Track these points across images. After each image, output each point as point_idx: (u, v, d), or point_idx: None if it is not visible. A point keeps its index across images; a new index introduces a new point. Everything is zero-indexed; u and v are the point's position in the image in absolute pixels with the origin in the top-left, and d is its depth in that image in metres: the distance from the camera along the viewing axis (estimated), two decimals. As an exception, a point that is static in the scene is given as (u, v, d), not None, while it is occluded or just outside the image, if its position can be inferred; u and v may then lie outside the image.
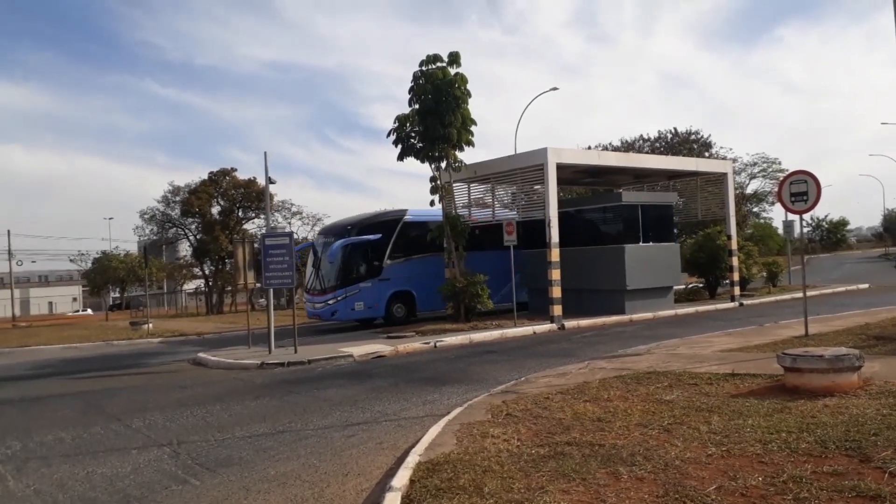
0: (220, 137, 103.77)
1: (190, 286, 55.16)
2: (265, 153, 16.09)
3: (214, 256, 44.50)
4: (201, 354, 15.19)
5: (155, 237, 48.65)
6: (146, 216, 46.43)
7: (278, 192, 54.82)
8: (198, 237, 45.25)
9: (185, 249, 52.88)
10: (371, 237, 20.49)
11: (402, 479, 4.92)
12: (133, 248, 56.77)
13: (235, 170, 46.88)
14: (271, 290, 16.01)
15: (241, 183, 46.84)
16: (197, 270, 48.14)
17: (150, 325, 25.75)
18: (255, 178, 47.17)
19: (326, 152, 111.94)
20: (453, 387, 9.65)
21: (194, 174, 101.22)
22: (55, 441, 7.49)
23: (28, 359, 18.08)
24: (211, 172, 45.88)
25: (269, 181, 16.40)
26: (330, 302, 20.28)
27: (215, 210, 45.48)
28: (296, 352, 14.23)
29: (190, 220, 45.89)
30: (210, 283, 46.65)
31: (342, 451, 6.34)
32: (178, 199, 46.34)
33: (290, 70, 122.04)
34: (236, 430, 7.58)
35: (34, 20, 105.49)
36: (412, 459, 5.45)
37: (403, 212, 21.52)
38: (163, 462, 6.31)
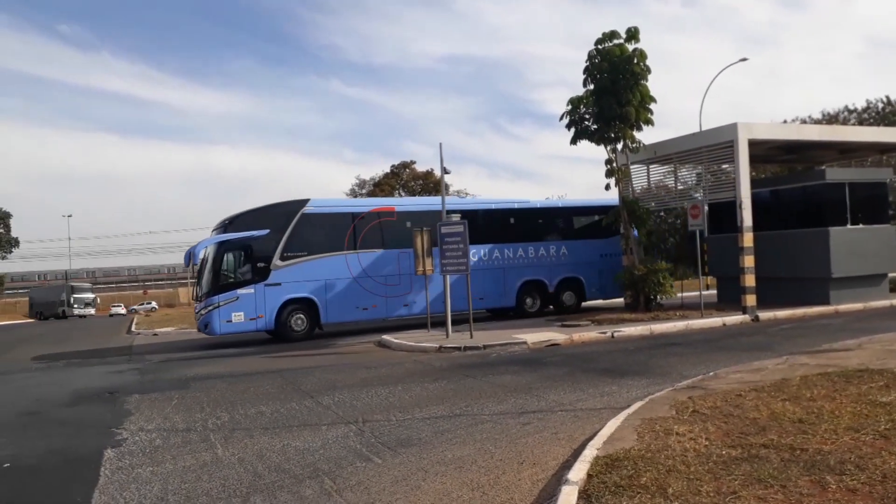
0: (399, 132, 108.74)
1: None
2: (440, 144, 16.84)
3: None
4: (385, 337, 15.97)
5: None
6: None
7: (453, 181, 56.10)
8: (381, 227, 47.69)
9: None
10: (254, 233, 17.23)
11: (579, 472, 4.74)
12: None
13: (414, 162, 48.94)
14: (447, 276, 16.40)
15: (420, 174, 48.72)
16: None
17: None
18: (432, 169, 48.87)
19: (498, 141, 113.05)
20: (633, 379, 9.23)
21: (377, 167, 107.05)
22: (257, 414, 8.21)
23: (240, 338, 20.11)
24: (392, 165, 48.31)
25: (444, 171, 16.82)
26: (202, 312, 17.24)
27: (397, 200, 47.75)
28: (471, 337, 14.45)
29: (374, 210, 48.47)
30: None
31: (517, 438, 6.28)
32: (364, 191, 49.23)
33: (462, 62, 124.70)
34: (416, 411, 7.81)
35: (235, 32, 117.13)
36: (590, 453, 5.24)
37: (303, 201, 17.94)
38: (349, 439, 6.65)
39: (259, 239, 17.18)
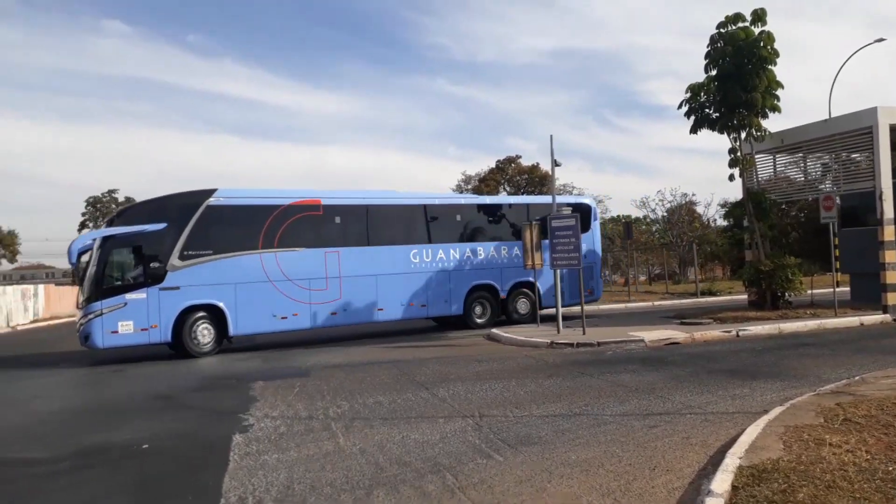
0: (502, 128, 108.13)
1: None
2: (550, 136, 16.23)
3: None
4: (494, 330, 15.82)
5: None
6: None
7: (559, 176, 54.98)
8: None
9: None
10: (147, 227, 14.33)
11: (722, 483, 4.37)
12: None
13: (520, 157, 48.53)
14: (558, 270, 16.00)
15: (525, 169, 48.25)
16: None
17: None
18: (537, 163, 48.25)
19: (603, 134, 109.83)
20: (766, 382, 8.58)
21: (481, 163, 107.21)
22: (375, 404, 8.27)
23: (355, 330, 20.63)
24: (498, 160, 48.12)
25: (555, 164, 16.41)
26: (82, 322, 14.20)
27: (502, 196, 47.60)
28: (584, 333, 14.04)
29: (479, 205, 48.54)
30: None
31: (645, 442, 5.93)
32: (469, 186, 49.33)
33: (567, 56, 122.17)
34: (533, 407, 7.60)
35: (346, 36, 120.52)
36: (731, 462, 4.84)
37: (209, 192, 15.17)
38: (467, 433, 6.54)
39: (153, 235, 14.28)
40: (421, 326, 18.41)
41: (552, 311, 19.37)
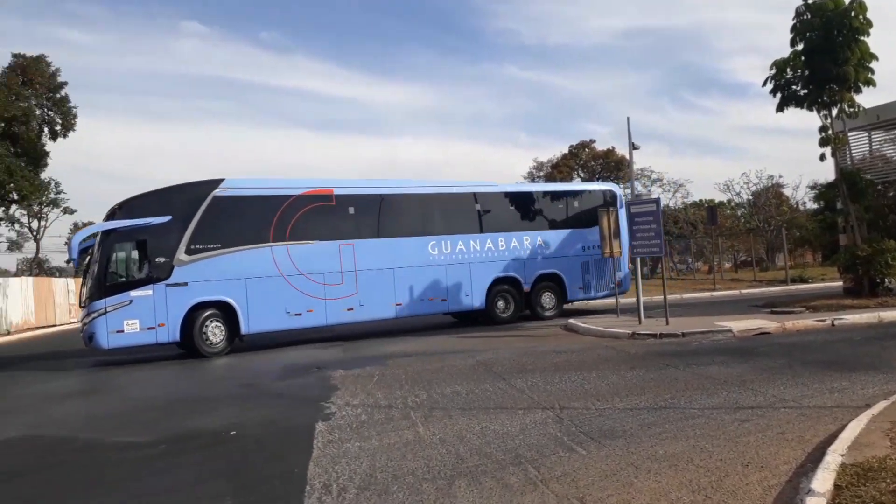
0: (575, 112, 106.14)
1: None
2: (627, 118, 15.85)
3: (577, 227, 46.01)
4: (572, 321, 15.58)
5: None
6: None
7: (636, 160, 53.50)
8: (561, 208, 47.00)
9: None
10: (151, 220, 13.65)
11: (823, 482, 4.12)
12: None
13: (594, 141, 47.56)
14: (638, 258, 15.58)
15: (600, 154, 47.23)
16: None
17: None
18: (612, 147, 47.12)
19: (681, 115, 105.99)
20: (867, 374, 8.06)
21: (553, 149, 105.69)
22: (453, 394, 8.28)
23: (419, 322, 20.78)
24: (571, 146, 47.31)
25: (633, 147, 15.95)
26: (85, 321, 13.69)
27: (576, 181, 46.82)
28: (667, 323, 13.62)
29: (553, 192, 47.94)
30: (573, 253, 48.32)
31: (736, 437, 5.67)
32: (541, 173, 48.75)
33: (641, 36, 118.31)
34: (615, 400, 7.41)
35: (417, 27, 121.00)
36: (832, 459, 4.56)
37: (215, 182, 14.52)
38: (547, 426, 6.43)
39: (158, 228, 13.62)
40: (437, 322, 17.86)
41: (579, 304, 19.61)
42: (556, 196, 18.69)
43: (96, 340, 13.14)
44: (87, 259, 14.42)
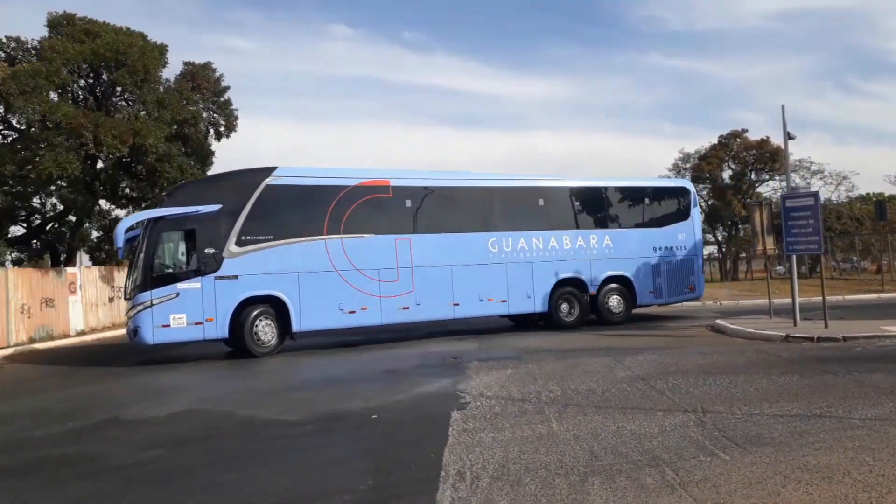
0: (725, 100, 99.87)
1: (703, 253, 55.24)
2: (782, 106, 14.62)
3: (727, 222, 43.55)
4: (719, 321, 14.80)
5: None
6: (658, 185, 48.10)
7: (793, 150, 49.70)
8: (709, 203, 44.66)
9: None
10: (200, 209, 12.92)
11: None
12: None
13: (746, 131, 44.52)
14: (794, 256, 14.48)
15: (752, 144, 44.21)
16: (709, 237, 47.70)
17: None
18: (767, 137, 43.93)
19: (846, 101, 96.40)
20: None
21: (701, 140, 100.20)
22: (588, 391, 8.16)
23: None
24: (721, 136, 44.63)
25: (788, 136, 14.81)
26: (130, 314, 13.03)
27: (726, 174, 44.23)
28: (826, 326, 12.57)
29: (700, 185, 45.62)
30: (723, 250, 45.79)
31: (904, 452, 5.16)
32: (688, 165, 46.49)
33: (799, 17, 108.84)
34: (764, 405, 6.98)
35: (557, 19, 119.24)
36: None
37: (268, 170, 13.80)
38: (688, 429, 6.19)
39: (207, 217, 12.93)
40: (499, 325, 17.13)
41: (648, 310, 18.23)
42: (626, 192, 17.50)
43: (141, 335, 12.46)
44: (134, 249, 13.89)
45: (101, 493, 5.18)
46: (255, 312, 13.02)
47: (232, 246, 12.99)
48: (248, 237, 13.15)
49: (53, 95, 20.39)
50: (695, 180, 45.31)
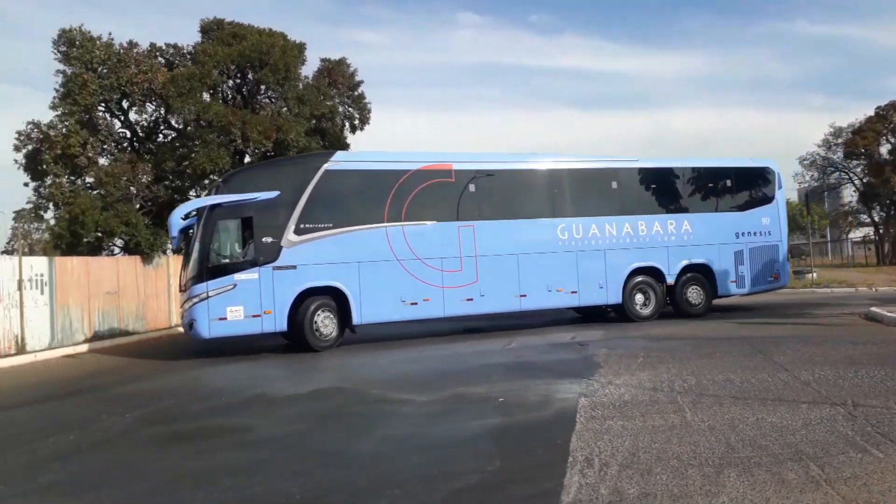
0: (881, 68, 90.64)
1: (856, 234, 50.72)
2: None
3: (885, 201, 39.59)
4: (875, 309, 13.59)
5: (815, 183, 46.33)
6: (805, 162, 44.64)
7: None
8: (864, 181, 40.90)
9: (849, 195, 49.00)
10: (258, 196, 12.46)
11: None
12: (793, 195, 55.64)
13: (909, 99, 40.22)
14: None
15: (920, 114, 39.98)
16: (864, 217, 43.70)
17: (815, 275, 24.85)
18: (937, 106, 39.53)
19: None
20: None
21: (854, 113, 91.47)
22: (725, 382, 7.81)
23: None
24: (878, 107, 40.62)
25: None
26: (186, 306, 12.62)
27: (884, 149, 40.21)
28: None
29: (854, 162, 41.85)
30: (880, 231, 41.76)
31: None
32: (839, 140, 42.79)
33: None
34: (927, 402, 6.37)
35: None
36: None
37: (326, 155, 13.35)
38: (836, 423, 5.78)
39: (265, 204, 12.51)
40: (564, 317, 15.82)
41: (728, 300, 16.72)
42: (706, 174, 16.27)
43: (196, 329, 12.12)
44: (189, 238, 13.46)
45: (252, 462, 5.65)
46: (315, 304, 12.58)
47: (290, 234, 12.54)
48: (307, 225, 12.68)
49: (206, 96, 22.15)
50: (847, 156, 41.71)
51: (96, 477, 5.52)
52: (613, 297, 14.88)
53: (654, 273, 15.22)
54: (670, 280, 15.29)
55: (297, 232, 12.60)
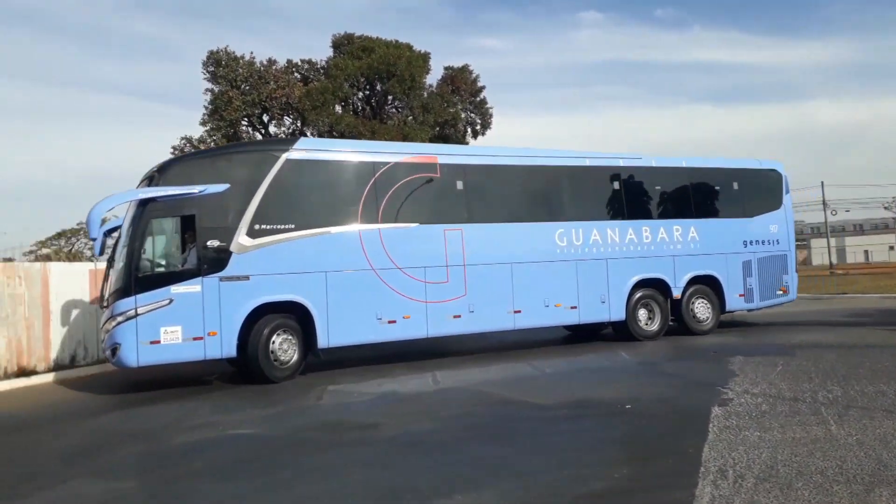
0: None
1: None
2: None
3: None
4: None
5: None
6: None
7: None
8: None
9: None
10: (203, 189, 10.00)
11: None
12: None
13: None
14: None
15: None
16: None
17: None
18: None
19: None
20: None
21: None
22: (876, 393, 7.22)
23: (844, 306, 18.29)
24: None
25: None
26: (107, 326, 9.93)
27: None
28: None
29: None
30: None
31: None
32: None
33: None
34: None
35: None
36: None
37: (288, 141, 11.29)
38: None
39: (211, 200, 10.01)
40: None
41: (735, 314, 14.90)
42: (712, 175, 14.52)
43: (121, 355, 9.52)
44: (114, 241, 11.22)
45: (378, 458, 5.88)
46: (272, 324, 10.24)
47: (242, 237, 10.14)
48: (264, 226, 10.32)
49: (338, 108, 23.33)
50: None
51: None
52: (616, 312, 13.05)
53: (659, 286, 13.45)
54: (676, 293, 13.52)
55: (251, 234, 10.20)
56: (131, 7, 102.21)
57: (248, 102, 22.52)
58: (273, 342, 10.21)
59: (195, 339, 9.73)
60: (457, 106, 25.60)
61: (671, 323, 13.65)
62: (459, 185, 12.10)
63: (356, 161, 11.41)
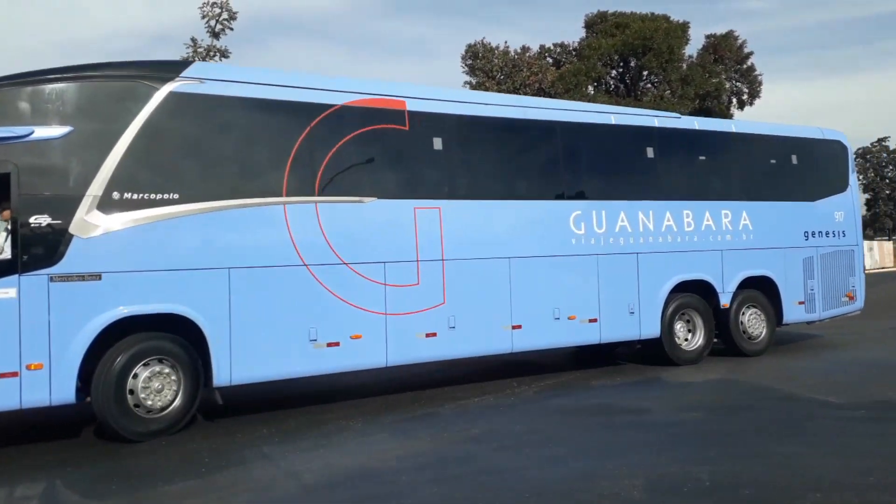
0: None
1: None
2: None
3: None
4: None
5: None
6: None
7: None
8: None
9: None
10: (21, 133, 5.85)
11: None
12: None
13: None
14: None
15: None
16: None
17: None
18: None
19: None
20: None
21: None
22: None
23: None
24: None
25: None
26: None
27: None
28: None
29: None
30: None
31: None
32: None
33: None
34: None
35: None
36: None
37: (175, 66, 6.78)
38: None
39: (40, 150, 6.23)
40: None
41: (791, 328, 11.27)
42: (764, 144, 10.81)
43: None
44: None
45: (647, 443, 5.82)
46: (134, 350, 6.51)
47: (91, 212, 6.38)
48: (128, 195, 6.54)
49: (590, 89, 23.14)
50: None
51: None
52: (649, 327, 9.49)
53: (701, 290, 9.96)
54: (724, 301, 10.04)
55: (106, 208, 6.44)
56: (392, 11, 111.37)
57: (502, 92, 23.29)
58: (137, 379, 6.50)
59: (7, 374, 6.02)
60: (720, 76, 23.84)
61: (715, 341, 10.23)
62: (437, 143, 8.33)
63: (282, 100, 7.49)
